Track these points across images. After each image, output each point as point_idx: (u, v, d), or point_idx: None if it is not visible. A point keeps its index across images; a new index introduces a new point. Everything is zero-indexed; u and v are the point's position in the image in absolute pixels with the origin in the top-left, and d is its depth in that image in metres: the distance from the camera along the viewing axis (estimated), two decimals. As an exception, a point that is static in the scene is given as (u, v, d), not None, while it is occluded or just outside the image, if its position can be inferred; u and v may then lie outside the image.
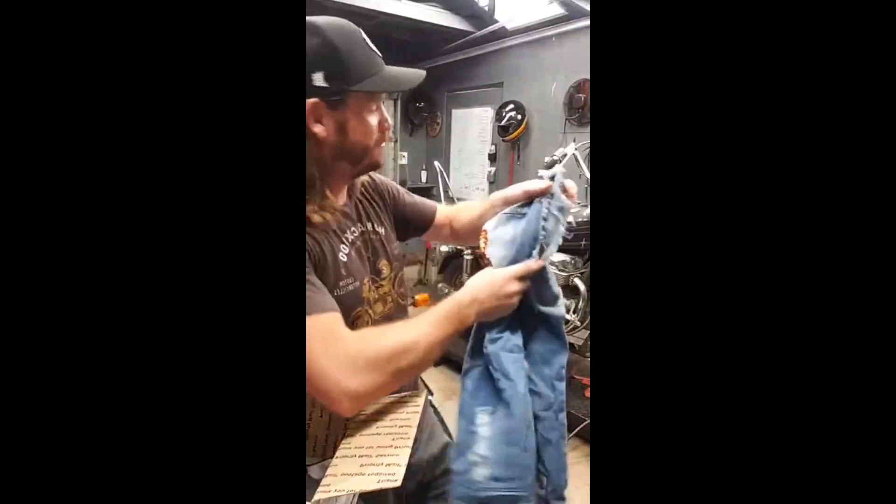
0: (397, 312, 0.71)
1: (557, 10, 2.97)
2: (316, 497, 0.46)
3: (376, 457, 0.49)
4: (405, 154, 4.44)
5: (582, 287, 1.95)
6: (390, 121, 0.66)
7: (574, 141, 2.15)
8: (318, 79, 0.56)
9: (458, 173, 4.21)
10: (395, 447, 0.50)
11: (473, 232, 0.77)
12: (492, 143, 3.77)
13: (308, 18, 0.56)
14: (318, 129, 0.58)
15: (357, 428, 0.54)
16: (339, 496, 0.46)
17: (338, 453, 0.51)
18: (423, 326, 0.54)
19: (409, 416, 0.54)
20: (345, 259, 0.62)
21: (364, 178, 0.72)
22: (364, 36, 0.60)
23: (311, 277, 0.54)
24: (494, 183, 3.81)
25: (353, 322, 0.61)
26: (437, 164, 3.11)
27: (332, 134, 0.59)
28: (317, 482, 0.47)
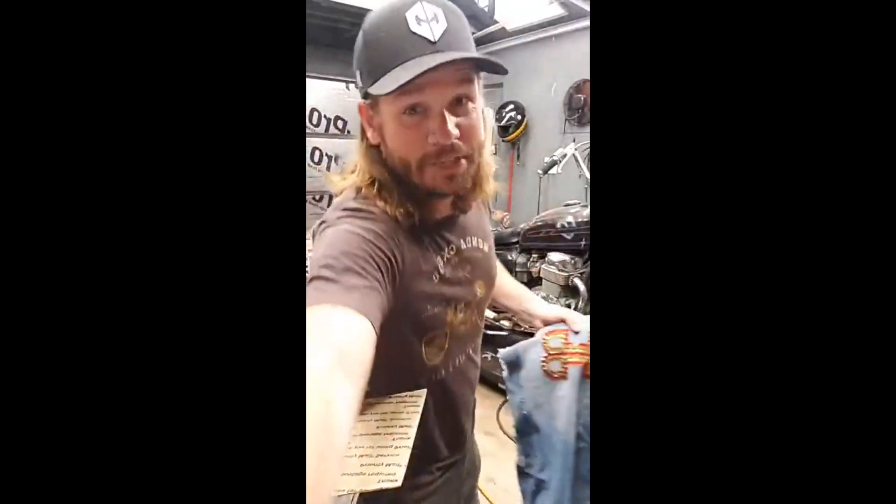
0: (474, 333, 0.65)
1: (557, 11, 2.97)
2: (316, 497, 0.46)
3: (377, 457, 0.49)
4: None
5: (582, 287, 1.96)
6: (453, 129, 0.48)
7: (574, 141, 2.15)
8: (358, 78, 0.51)
9: (457, 174, 4.20)
10: (396, 447, 0.50)
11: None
12: (492, 143, 3.76)
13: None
14: (369, 132, 0.54)
15: (357, 428, 0.54)
16: (339, 496, 0.46)
17: None
18: None
19: (409, 416, 0.54)
20: (436, 280, 0.55)
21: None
22: (414, 11, 0.46)
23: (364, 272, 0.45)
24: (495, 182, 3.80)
25: (428, 342, 0.57)
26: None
27: (381, 140, 0.52)
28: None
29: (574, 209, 2.05)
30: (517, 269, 2.17)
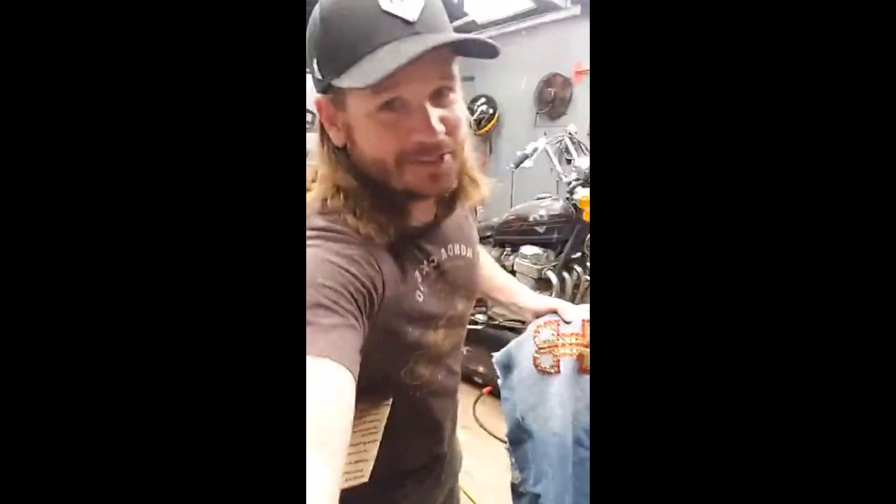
0: (457, 345, 0.60)
1: (527, 4, 2.98)
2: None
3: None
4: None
5: (554, 279, 1.97)
6: (438, 124, 0.42)
7: (545, 135, 2.16)
8: (315, 67, 0.43)
9: (430, 169, 4.19)
10: (365, 443, 0.49)
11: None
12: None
13: None
14: (332, 131, 0.46)
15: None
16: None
17: None
18: None
19: (378, 411, 0.52)
20: (421, 298, 0.49)
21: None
22: None
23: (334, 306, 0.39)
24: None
25: (409, 364, 0.52)
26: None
27: (348, 140, 0.46)
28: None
29: (546, 203, 2.06)
30: (491, 263, 2.18)
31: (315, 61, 0.43)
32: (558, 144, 2.14)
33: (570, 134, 2.09)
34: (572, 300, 2.01)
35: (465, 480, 1.64)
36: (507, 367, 0.71)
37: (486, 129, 3.41)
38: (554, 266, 2.00)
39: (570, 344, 0.64)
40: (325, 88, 0.44)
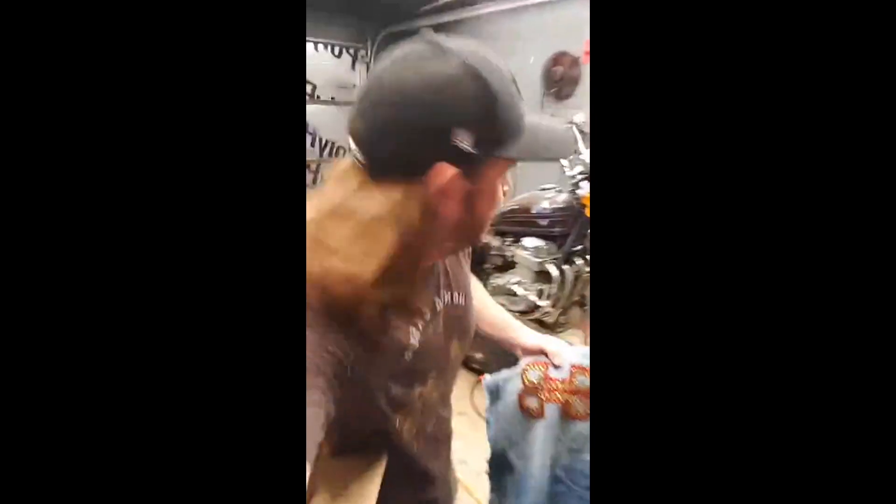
0: (448, 393, 0.60)
1: (537, -21, 2.86)
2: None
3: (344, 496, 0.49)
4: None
5: (554, 272, 1.98)
6: (511, 182, 0.50)
7: (552, 117, 2.11)
8: (466, 141, 0.40)
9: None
10: (363, 481, 0.50)
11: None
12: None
13: (454, 51, 0.41)
14: (449, 206, 0.43)
15: (326, 461, 0.53)
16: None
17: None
18: None
19: (372, 470, 0.52)
20: (409, 357, 0.48)
21: None
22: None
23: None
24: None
25: (401, 424, 0.51)
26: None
27: (458, 212, 0.45)
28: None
29: (549, 194, 2.04)
30: (491, 252, 2.17)
31: (471, 135, 0.40)
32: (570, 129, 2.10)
33: (576, 124, 2.04)
34: (572, 292, 2.01)
35: (459, 467, 1.69)
36: (495, 395, 0.72)
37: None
38: (555, 259, 2.00)
39: (558, 389, 0.65)
40: (472, 160, 0.41)
